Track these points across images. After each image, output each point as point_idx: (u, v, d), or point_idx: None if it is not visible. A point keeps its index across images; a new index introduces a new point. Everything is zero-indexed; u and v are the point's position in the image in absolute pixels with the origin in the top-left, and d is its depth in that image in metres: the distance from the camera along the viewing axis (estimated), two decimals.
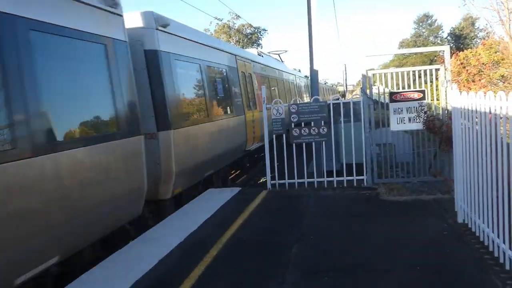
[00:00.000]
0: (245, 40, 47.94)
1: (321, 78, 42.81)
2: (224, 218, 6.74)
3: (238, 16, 49.66)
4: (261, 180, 12.86)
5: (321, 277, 4.43)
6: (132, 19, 7.04)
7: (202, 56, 9.25)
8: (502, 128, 4.19)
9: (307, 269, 4.67)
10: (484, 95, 4.61)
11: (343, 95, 47.09)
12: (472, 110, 5.03)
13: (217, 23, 46.94)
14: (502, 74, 16.09)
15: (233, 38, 47.18)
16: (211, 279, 4.58)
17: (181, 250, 5.45)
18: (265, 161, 8.95)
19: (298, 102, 8.50)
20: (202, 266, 4.90)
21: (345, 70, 46.17)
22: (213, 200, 7.89)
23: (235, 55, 12.09)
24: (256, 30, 50.16)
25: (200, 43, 9.34)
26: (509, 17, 10.55)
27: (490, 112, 4.43)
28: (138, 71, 6.81)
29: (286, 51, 23.59)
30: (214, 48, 10.36)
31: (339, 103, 8.76)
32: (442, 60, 8.73)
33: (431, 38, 62.50)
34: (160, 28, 7.38)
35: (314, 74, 10.03)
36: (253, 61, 14.28)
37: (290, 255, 5.07)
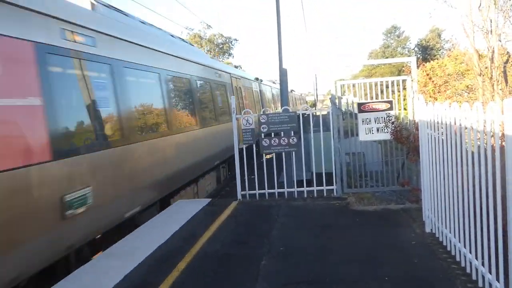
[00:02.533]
0: (217, 50, 47.94)
1: (291, 87, 43.05)
2: (192, 231, 6.61)
3: (209, 26, 49.68)
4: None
5: None
6: None
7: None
8: (467, 138, 4.25)
9: (277, 281, 4.59)
10: (449, 106, 4.67)
11: (314, 105, 47.44)
12: (437, 121, 5.10)
13: (188, 33, 46.83)
14: (467, 85, 16.52)
15: (204, 48, 47.12)
16: None
17: (148, 265, 5.30)
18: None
19: (268, 113, 8.46)
20: (170, 281, 4.77)
21: (316, 80, 46.58)
22: (182, 212, 7.74)
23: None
24: (227, 40, 50.26)
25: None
26: (473, 29, 10.92)
27: (455, 123, 4.50)
28: None
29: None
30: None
31: (308, 114, 8.77)
32: (409, 71, 8.87)
33: (399, 49, 63.93)
34: None
35: (284, 84, 10.05)
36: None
37: (259, 267, 4.99)
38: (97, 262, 5.51)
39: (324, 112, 9.63)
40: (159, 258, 5.52)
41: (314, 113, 9.29)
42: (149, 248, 5.85)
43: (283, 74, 10.06)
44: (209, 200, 8.74)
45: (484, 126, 3.79)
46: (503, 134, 3.42)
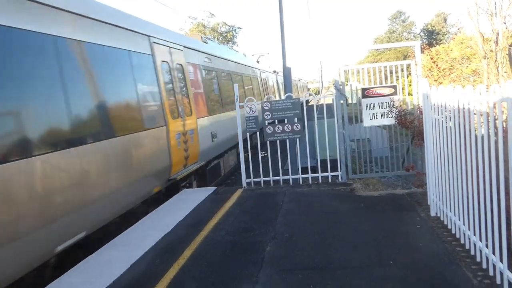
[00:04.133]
0: (220, 39, 47.75)
1: (294, 75, 42.85)
2: (198, 219, 6.65)
3: (213, 14, 49.44)
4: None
5: (295, 274, 4.40)
6: None
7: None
8: (471, 121, 4.23)
9: (281, 267, 4.63)
10: (453, 89, 4.64)
11: (318, 92, 47.21)
12: (441, 104, 5.07)
13: (192, 22, 46.64)
14: (473, 69, 16.38)
15: (208, 36, 46.94)
16: (184, 281, 4.49)
17: (154, 253, 5.35)
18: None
19: (271, 100, 8.45)
20: (176, 268, 4.81)
21: (321, 67, 46.26)
22: (187, 201, 7.78)
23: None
24: (231, 28, 50.03)
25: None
26: (477, 12, 10.79)
27: (458, 106, 4.47)
28: None
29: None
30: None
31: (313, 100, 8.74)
32: (414, 56, 8.81)
33: (404, 34, 63.37)
34: None
35: (287, 71, 10.00)
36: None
37: (264, 253, 5.02)
38: (103, 252, 5.55)
39: (329, 99, 9.61)
40: (165, 246, 5.57)
41: (318, 100, 9.27)
42: (155, 237, 5.90)
43: (287, 72, 10.03)
44: (214, 188, 8.78)
45: (488, 108, 3.77)
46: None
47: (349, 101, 9.05)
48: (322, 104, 8.56)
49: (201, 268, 4.77)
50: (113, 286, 4.49)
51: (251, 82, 17.76)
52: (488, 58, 10.75)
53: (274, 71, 25.98)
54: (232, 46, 49.29)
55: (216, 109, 11.56)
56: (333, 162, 8.59)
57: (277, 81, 26.32)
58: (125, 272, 4.81)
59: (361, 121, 8.40)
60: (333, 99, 8.64)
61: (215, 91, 12.06)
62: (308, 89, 58.81)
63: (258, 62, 23.94)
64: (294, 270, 4.51)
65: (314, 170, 8.80)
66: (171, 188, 8.50)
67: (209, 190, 8.60)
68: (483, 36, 11.06)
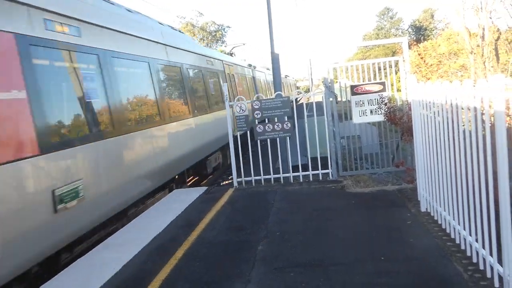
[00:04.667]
0: (209, 38, 47.66)
1: (285, 73, 42.81)
2: (190, 219, 6.63)
3: (201, 13, 49.32)
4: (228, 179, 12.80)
5: (287, 272, 4.40)
6: None
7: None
8: (462, 116, 4.26)
9: (274, 265, 4.63)
10: (441, 84, 4.67)
11: (308, 90, 47.25)
12: (430, 100, 5.10)
13: (180, 22, 46.48)
14: (461, 64, 16.53)
15: (197, 36, 46.80)
16: (176, 281, 4.48)
17: (146, 254, 5.32)
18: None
19: (261, 99, 8.44)
20: (168, 269, 4.79)
21: (310, 65, 46.37)
22: (179, 201, 7.76)
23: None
24: (220, 28, 49.93)
25: None
26: (463, 7, 10.88)
27: (446, 101, 4.50)
28: None
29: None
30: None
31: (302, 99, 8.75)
32: (402, 52, 8.85)
33: (392, 31, 63.79)
34: None
35: (276, 70, 10.01)
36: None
37: (256, 252, 5.02)
38: (95, 253, 5.52)
39: (318, 97, 9.61)
40: (156, 247, 5.54)
41: (308, 98, 9.27)
42: (147, 238, 5.87)
43: (275, 58, 9.99)
44: (205, 188, 8.76)
45: (474, 103, 3.79)
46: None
47: (339, 99, 9.07)
48: (312, 102, 8.57)
49: (194, 268, 4.76)
50: None
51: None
52: (475, 53, 10.85)
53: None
54: (221, 45, 49.25)
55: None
56: (324, 159, 8.61)
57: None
58: (117, 273, 4.79)
59: (351, 118, 8.43)
60: (322, 96, 8.66)
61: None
62: (297, 87, 58.66)
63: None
64: (287, 268, 4.52)
65: (305, 168, 8.81)
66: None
67: (201, 190, 8.58)
68: (469, 32, 11.15)
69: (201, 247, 5.41)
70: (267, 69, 27.42)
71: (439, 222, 5.23)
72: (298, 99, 11.31)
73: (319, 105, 9.31)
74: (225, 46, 49.20)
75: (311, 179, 8.53)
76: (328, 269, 4.40)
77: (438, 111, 4.78)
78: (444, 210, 4.97)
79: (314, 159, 8.66)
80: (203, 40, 46.98)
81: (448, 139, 4.53)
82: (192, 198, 7.86)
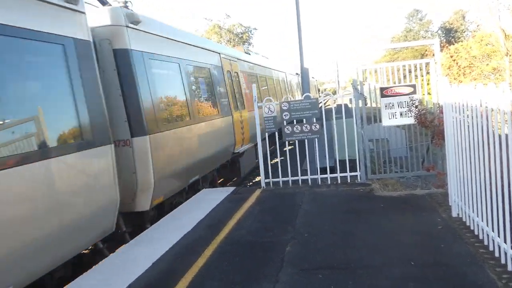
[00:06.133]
0: (236, 40, 47.86)
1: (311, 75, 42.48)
2: (218, 218, 6.69)
3: (228, 15, 49.61)
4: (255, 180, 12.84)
5: (315, 274, 4.39)
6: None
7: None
8: (493, 120, 4.17)
9: (301, 267, 4.62)
10: (475, 87, 4.58)
11: (335, 92, 46.86)
12: (462, 103, 5.01)
13: (207, 24, 46.84)
14: (494, 67, 16.09)
15: (224, 38, 47.08)
16: (204, 280, 4.53)
17: (175, 252, 5.40)
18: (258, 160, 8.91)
19: (289, 100, 8.44)
20: (196, 268, 4.85)
21: (337, 67, 46.13)
22: (207, 200, 7.83)
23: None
24: (246, 29, 50.09)
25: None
26: (498, 8, 10.58)
27: (480, 105, 4.41)
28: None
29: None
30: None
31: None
32: (432, 54, 8.72)
33: (421, 33, 62.64)
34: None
35: (304, 72, 9.99)
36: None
37: (284, 253, 5.03)
38: (125, 250, 5.64)
39: (347, 99, 9.56)
40: (185, 245, 5.61)
41: (335, 100, 9.21)
42: (176, 236, 5.95)
43: (304, 72, 9.98)
44: (233, 188, 8.81)
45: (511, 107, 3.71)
46: None
47: (367, 101, 8.99)
48: (340, 104, 8.53)
49: (222, 267, 4.80)
50: (134, 284, 4.55)
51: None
52: (510, 55, 10.53)
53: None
54: (248, 47, 49.41)
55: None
56: (351, 162, 8.54)
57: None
58: (147, 270, 4.88)
59: (380, 121, 8.34)
60: (350, 99, 8.60)
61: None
62: (318, 90, 57.86)
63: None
64: (315, 270, 4.51)
65: (332, 170, 8.77)
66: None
67: (228, 190, 8.64)
68: (504, 33, 10.83)
69: (229, 246, 5.45)
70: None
71: (472, 228, 5.12)
72: (325, 102, 11.28)
73: (345, 107, 9.25)
74: (252, 47, 49.36)
75: (339, 181, 8.48)
76: (356, 272, 4.37)
77: (472, 115, 4.69)
78: (477, 216, 4.87)
79: (340, 162, 8.61)
80: (230, 42, 47.20)
81: (483, 143, 4.43)
82: (220, 198, 7.92)
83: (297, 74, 26.06)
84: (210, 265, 4.91)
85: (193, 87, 9.11)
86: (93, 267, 5.14)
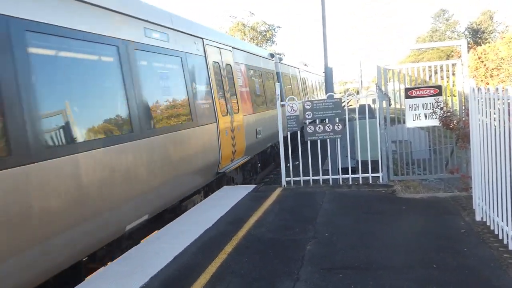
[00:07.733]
0: (260, 38, 47.86)
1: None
2: (239, 215, 6.75)
3: (252, 13, 49.62)
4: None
5: (336, 273, 4.40)
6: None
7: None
8: None
9: (322, 266, 4.64)
10: (503, 90, 4.52)
11: (358, 92, 46.38)
12: (489, 106, 4.94)
13: (232, 21, 46.92)
14: None
15: (248, 35, 47.13)
16: (225, 275, 4.58)
17: (197, 247, 5.48)
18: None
19: (312, 99, 8.43)
20: (217, 263, 4.91)
21: (360, 67, 45.71)
22: (228, 198, 7.90)
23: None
24: (270, 28, 50.03)
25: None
26: None
27: (509, 107, 4.35)
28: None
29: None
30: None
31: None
32: (458, 55, 8.59)
33: (448, 33, 61.62)
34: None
35: (328, 71, 9.95)
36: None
37: (304, 252, 5.05)
38: (147, 244, 5.75)
39: (370, 99, 9.50)
40: (206, 241, 5.69)
41: (358, 100, 9.16)
42: (197, 231, 6.03)
43: (329, 72, 9.93)
44: (254, 186, 8.86)
45: None
46: None
47: (391, 102, 8.91)
48: (363, 104, 8.48)
49: (242, 264, 4.85)
50: (156, 276, 4.63)
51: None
52: None
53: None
54: (271, 45, 49.36)
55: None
56: (373, 163, 8.49)
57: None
58: (169, 264, 4.96)
59: (404, 122, 8.27)
60: (374, 99, 8.55)
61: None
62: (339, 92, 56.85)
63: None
64: (335, 270, 4.52)
65: (354, 171, 8.73)
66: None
67: (249, 188, 8.69)
68: None
69: (250, 243, 5.50)
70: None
71: (496, 233, 5.05)
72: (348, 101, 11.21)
73: (364, 107, 9.19)
74: (276, 45, 49.30)
75: (360, 182, 8.45)
76: (376, 273, 4.36)
77: (500, 118, 4.62)
78: (502, 221, 4.80)
79: (363, 163, 8.57)
80: (254, 39, 47.23)
81: (510, 147, 4.37)
82: (241, 195, 7.97)
83: (306, 71, 24.47)
84: (230, 260, 4.97)
85: (144, 83, 6.33)
86: (115, 259, 5.24)
